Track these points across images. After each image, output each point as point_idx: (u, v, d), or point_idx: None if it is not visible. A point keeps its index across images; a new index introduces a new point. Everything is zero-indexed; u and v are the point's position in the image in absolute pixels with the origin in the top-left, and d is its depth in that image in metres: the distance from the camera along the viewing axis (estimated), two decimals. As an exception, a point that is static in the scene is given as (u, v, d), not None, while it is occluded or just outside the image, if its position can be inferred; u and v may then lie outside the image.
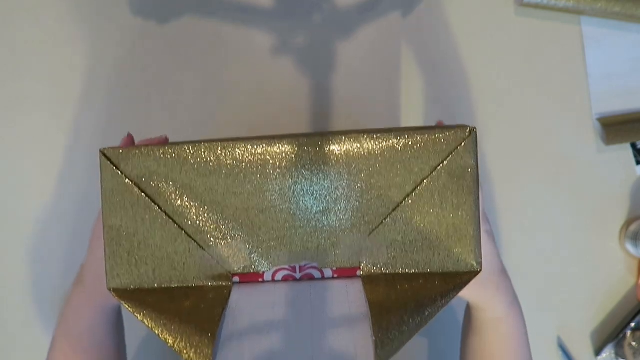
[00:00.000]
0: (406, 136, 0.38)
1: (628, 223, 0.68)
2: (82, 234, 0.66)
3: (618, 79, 0.68)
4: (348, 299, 0.38)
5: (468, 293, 0.44)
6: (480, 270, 0.39)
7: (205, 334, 0.36)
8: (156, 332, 0.37)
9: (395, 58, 0.68)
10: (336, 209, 0.38)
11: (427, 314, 0.36)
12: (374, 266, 0.39)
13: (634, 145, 0.68)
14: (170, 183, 0.38)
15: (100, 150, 0.38)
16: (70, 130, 0.67)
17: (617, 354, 0.66)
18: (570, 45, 0.68)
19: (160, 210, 0.39)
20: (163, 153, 0.38)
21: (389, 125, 0.67)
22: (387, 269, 0.39)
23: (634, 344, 0.65)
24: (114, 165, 0.38)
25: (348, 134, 0.38)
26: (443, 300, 0.37)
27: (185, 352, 0.35)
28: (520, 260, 0.68)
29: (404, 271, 0.39)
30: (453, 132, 0.38)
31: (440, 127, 0.40)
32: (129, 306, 0.38)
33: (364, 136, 0.38)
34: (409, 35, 0.68)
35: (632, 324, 0.66)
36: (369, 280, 0.39)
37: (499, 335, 0.48)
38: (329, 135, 0.38)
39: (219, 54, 0.67)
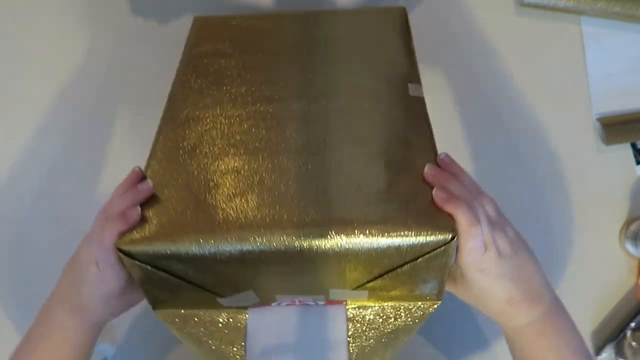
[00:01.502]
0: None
1: (628, 223, 0.68)
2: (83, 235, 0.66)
3: (618, 79, 0.68)
4: (335, 322, 0.45)
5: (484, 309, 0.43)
6: (440, 300, 0.43)
7: None
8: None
9: (395, 58, 0.68)
10: None
11: (401, 337, 0.45)
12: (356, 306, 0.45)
13: (634, 145, 0.68)
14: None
15: (117, 247, 0.39)
16: (70, 130, 0.67)
17: (617, 354, 0.66)
18: (570, 45, 0.68)
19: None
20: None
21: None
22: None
23: (634, 344, 0.65)
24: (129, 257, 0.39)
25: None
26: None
27: None
28: (520, 260, 0.68)
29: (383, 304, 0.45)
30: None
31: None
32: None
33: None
34: (409, 35, 0.68)
35: (632, 324, 0.66)
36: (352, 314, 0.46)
37: (532, 344, 0.43)
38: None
39: (219, 54, 0.67)
